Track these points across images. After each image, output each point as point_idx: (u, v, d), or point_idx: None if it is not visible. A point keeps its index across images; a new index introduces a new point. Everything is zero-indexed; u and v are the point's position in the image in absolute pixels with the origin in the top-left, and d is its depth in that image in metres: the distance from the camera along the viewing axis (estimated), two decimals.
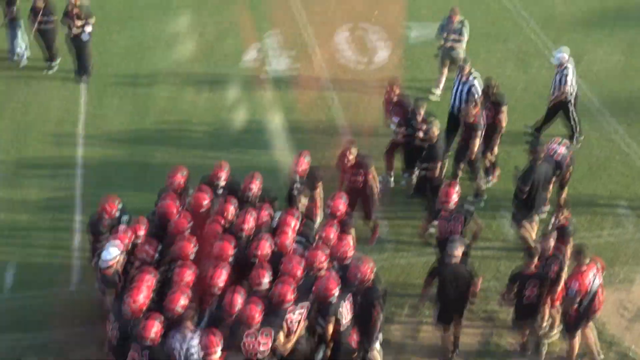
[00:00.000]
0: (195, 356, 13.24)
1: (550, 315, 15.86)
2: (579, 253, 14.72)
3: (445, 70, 21.79)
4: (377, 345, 14.75)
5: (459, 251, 14.95)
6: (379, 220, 18.01)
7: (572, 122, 20.24)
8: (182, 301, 13.57)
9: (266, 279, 13.92)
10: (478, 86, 19.25)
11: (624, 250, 17.64)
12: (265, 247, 14.48)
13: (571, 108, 20.13)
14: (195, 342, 13.24)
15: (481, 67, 22.69)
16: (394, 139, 18.89)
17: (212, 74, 23.03)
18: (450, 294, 15.03)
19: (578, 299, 14.53)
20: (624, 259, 17.46)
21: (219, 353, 12.87)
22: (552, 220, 16.20)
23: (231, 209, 15.41)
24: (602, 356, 15.45)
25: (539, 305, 15.18)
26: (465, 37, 21.51)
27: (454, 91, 19.51)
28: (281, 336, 13.54)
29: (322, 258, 14.27)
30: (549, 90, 21.96)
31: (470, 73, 19.38)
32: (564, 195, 18.05)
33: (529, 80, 22.63)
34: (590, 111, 21.58)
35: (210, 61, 23.60)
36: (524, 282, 14.90)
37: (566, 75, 19.80)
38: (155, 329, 13.14)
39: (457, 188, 16.12)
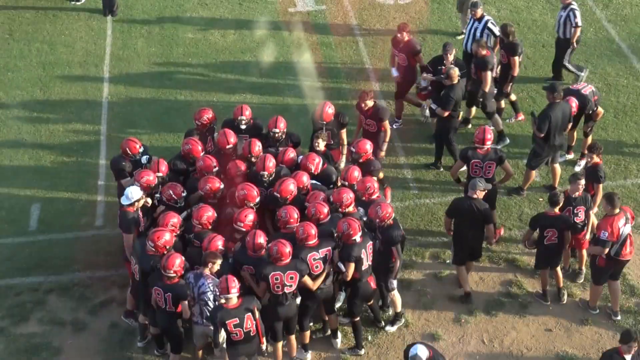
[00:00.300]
0: (208, 294, 13.52)
1: (577, 262, 15.98)
2: (610, 200, 14.67)
3: (465, 16, 21.44)
4: (395, 285, 14.89)
5: (479, 193, 15.06)
6: (402, 166, 18.27)
7: (565, 63, 20.12)
8: (219, 243, 13.86)
9: (296, 216, 14.15)
10: (492, 26, 19.13)
11: None
12: (289, 187, 14.61)
13: (568, 49, 19.97)
14: (208, 283, 13.50)
15: (508, 11, 22.69)
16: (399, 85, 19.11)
17: (238, 15, 22.92)
18: (467, 233, 15.25)
19: (609, 246, 14.54)
20: None
21: (234, 296, 13.07)
22: (583, 162, 16.20)
23: (259, 144, 15.55)
24: (619, 317, 15.43)
25: (561, 249, 15.24)
26: None
27: (468, 30, 19.49)
28: (307, 280, 13.78)
29: (350, 195, 14.49)
30: None
31: (482, 16, 19.23)
32: (589, 141, 17.92)
33: None
34: (617, 56, 21.34)
35: (235, 1, 23.45)
36: (546, 225, 14.96)
37: (575, 11, 19.50)
38: (178, 261, 13.42)
39: (492, 132, 16.22)
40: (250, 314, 13.10)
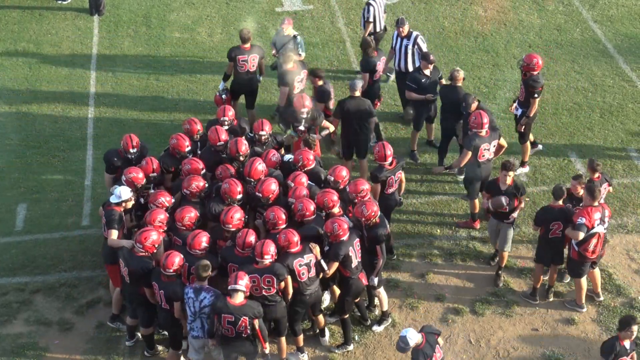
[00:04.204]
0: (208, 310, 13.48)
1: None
2: (590, 192, 14.68)
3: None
4: (375, 282, 14.84)
5: (360, 91, 17.10)
6: None
7: None
8: (203, 240, 13.81)
9: (284, 217, 14.14)
10: (421, 43, 18.86)
11: (633, 200, 17.60)
12: (270, 187, 14.59)
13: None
14: (210, 296, 13.40)
15: (495, 12, 22.79)
16: None
17: (225, 14, 22.92)
18: (353, 130, 17.02)
19: (584, 230, 14.54)
20: (632, 208, 17.42)
21: (241, 294, 13.10)
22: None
23: (245, 142, 15.54)
24: (601, 298, 15.62)
25: (564, 243, 15.29)
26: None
27: (398, 48, 18.93)
28: (289, 281, 13.78)
29: (334, 197, 14.51)
30: (563, 35, 21.98)
31: (410, 32, 18.88)
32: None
33: (543, 24, 22.43)
34: (604, 56, 21.42)
35: (222, 0, 23.43)
36: (551, 218, 14.98)
37: (370, 6, 19.89)
38: (177, 260, 13.43)
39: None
40: (247, 318, 13.08)
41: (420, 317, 15.38)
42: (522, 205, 15.69)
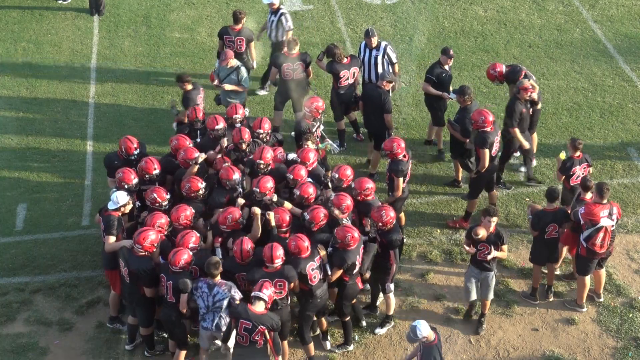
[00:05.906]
0: (224, 302, 13.44)
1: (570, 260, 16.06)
2: (600, 190, 14.67)
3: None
4: (392, 288, 14.97)
5: (386, 83, 17.29)
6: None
7: None
8: (193, 240, 13.88)
9: (288, 218, 14.22)
10: (391, 53, 18.49)
11: (633, 200, 17.62)
12: (267, 185, 14.61)
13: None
14: (224, 290, 13.42)
15: (495, 12, 22.76)
16: None
17: (225, 14, 22.90)
18: (371, 117, 17.44)
19: (575, 218, 14.68)
20: (632, 208, 17.44)
21: (262, 303, 13.06)
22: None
23: (248, 131, 15.70)
24: (602, 299, 15.63)
25: (558, 243, 15.32)
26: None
27: (367, 59, 18.53)
28: (297, 283, 13.77)
29: (348, 202, 14.49)
30: (563, 35, 21.99)
31: (379, 43, 18.47)
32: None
33: (543, 24, 22.42)
34: (604, 56, 21.42)
35: (222, 0, 23.44)
36: (547, 222, 14.99)
37: (285, 15, 19.83)
38: (185, 257, 13.48)
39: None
40: (264, 328, 13.01)
41: (420, 317, 15.25)
42: (505, 255, 14.98)
